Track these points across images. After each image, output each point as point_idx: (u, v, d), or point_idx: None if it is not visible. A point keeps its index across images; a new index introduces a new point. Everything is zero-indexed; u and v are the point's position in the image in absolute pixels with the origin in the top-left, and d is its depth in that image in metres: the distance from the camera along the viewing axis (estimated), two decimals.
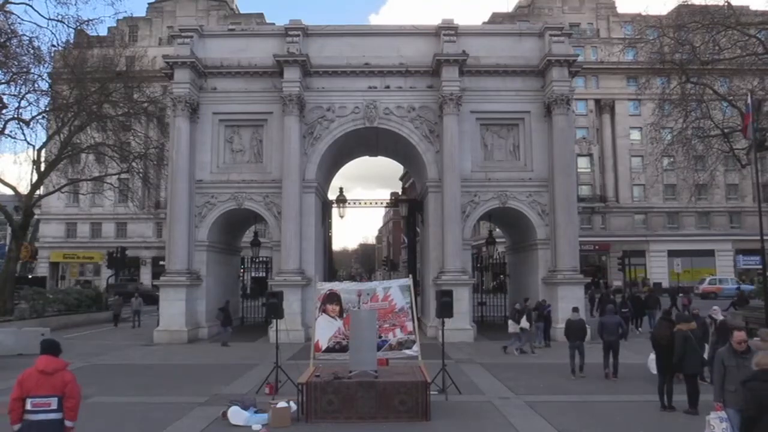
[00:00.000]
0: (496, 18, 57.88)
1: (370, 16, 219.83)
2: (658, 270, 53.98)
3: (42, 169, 28.96)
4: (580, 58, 26.61)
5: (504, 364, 16.64)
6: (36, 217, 46.23)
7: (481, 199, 23.65)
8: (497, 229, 32.39)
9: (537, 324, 20.28)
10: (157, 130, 33.21)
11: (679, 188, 50.15)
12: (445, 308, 13.08)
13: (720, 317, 16.60)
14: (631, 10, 60.59)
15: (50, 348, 6.67)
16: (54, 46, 27.62)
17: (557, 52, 23.19)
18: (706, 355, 12.32)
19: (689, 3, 25.77)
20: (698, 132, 28.05)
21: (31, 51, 25.93)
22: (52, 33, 45.95)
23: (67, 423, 6.48)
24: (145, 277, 55.06)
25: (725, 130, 27.29)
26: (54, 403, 6.37)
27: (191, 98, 23.31)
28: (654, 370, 12.32)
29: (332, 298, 12.36)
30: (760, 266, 28.95)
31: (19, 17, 59.20)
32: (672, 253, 54.76)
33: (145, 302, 31.59)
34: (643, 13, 31.23)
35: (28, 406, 6.31)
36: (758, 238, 21.17)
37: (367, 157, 29.77)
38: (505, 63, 23.86)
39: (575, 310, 15.79)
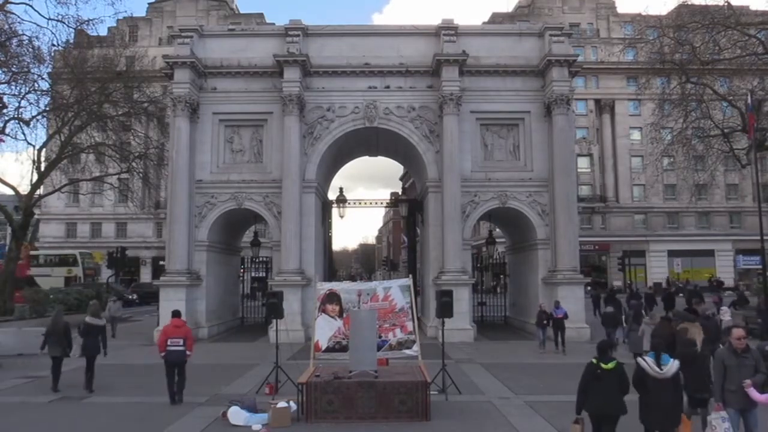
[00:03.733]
0: (496, 18, 57.90)
1: (374, 15, 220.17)
2: (658, 270, 54.00)
3: (42, 169, 28.94)
4: (580, 58, 26.59)
5: (504, 364, 16.64)
6: (36, 217, 46.21)
7: (481, 199, 23.62)
8: (497, 229, 32.39)
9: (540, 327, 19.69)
10: (157, 130, 33.18)
11: (679, 188, 50.19)
12: (445, 308, 13.08)
13: (728, 317, 16.57)
14: (631, 10, 60.65)
15: (178, 314, 12.77)
16: (54, 46, 27.63)
17: (557, 52, 23.18)
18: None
19: (689, 3, 25.80)
20: (698, 132, 28.08)
21: (31, 51, 25.93)
22: (52, 33, 46.17)
23: (188, 352, 12.04)
24: (146, 276, 55.08)
25: (725, 130, 27.31)
26: (181, 342, 11.96)
27: (191, 98, 23.30)
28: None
29: (332, 297, 12.36)
30: (760, 266, 28.96)
31: (19, 17, 59.20)
32: (672, 253, 54.83)
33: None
34: (643, 13, 31.29)
35: (168, 343, 11.92)
36: (758, 238, 21.22)
37: (367, 157, 29.78)
38: (505, 63, 23.85)
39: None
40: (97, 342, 13.51)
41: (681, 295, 32.43)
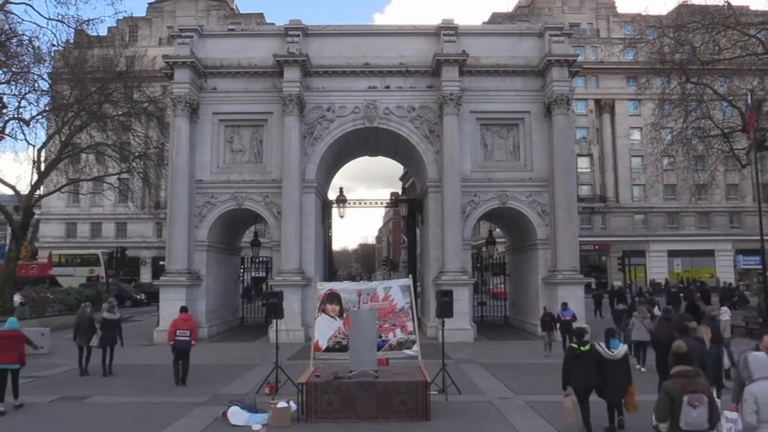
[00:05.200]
0: (496, 18, 57.90)
1: (375, 14, 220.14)
2: (658, 270, 53.99)
3: (42, 169, 28.91)
4: (580, 58, 26.60)
5: (504, 364, 16.64)
6: (36, 217, 46.28)
7: (481, 199, 23.62)
8: (497, 229, 32.39)
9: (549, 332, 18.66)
10: (157, 130, 33.16)
11: (679, 188, 50.17)
12: (445, 308, 13.08)
13: (726, 317, 16.56)
14: (631, 10, 60.69)
15: (185, 310, 15.08)
16: (54, 46, 27.57)
17: (557, 52, 23.18)
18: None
19: (689, 3, 25.79)
20: (698, 132, 28.07)
21: (31, 51, 25.87)
22: (52, 33, 45.98)
23: (192, 342, 14.10)
24: (146, 276, 55.08)
25: (725, 130, 27.30)
26: (188, 333, 14.00)
27: (191, 98, 23.30)
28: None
29: (332, 297, 12.37)
30: (760, 266, 28.96)
31: (19, 17, 59.31)
32: (672, 253, 54.83)
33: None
34: (643, 13, 31.34)
35: (177, 334, 13.92)
36: (758, 238, 21.22)
37: (368, 157, 29.77)
38: (505, 63, 23.85)
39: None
40: (113, 334, 15.82)
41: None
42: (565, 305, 19.26)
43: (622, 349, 9.59)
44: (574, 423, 9.72)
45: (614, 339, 9.76)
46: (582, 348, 9.57)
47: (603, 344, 9.66)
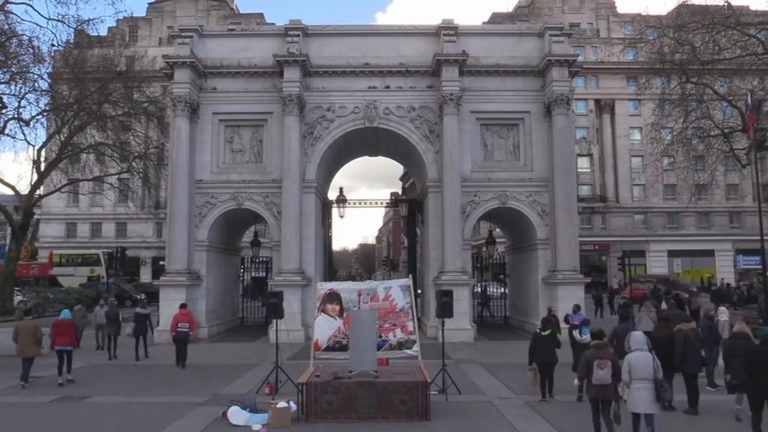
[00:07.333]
0: (496, 18, 57.86)
1: (377, 14, 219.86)
2: (658, 270, 53.92)
3: (42, 168, 28.93)
4: (580, 58, 26.58)
5: (504, 364, 16.62)
6: (36, 217, 46.33)
7: (481, 199, 23.61)
8: (497, 229, 32.38)
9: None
10: (157, 130, 33.22)
11: (679, 188, 50.14)
12: (445, 308, 13.09)
13: (725, 318, 16.55)
14: (631, 10, 60.64)
15: (184, 306, 17.62)
16: (54, 45, 27.67)
17: (557, 52, 23.17)
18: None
19: (689, 3, 25.78)
20: (698, 132, 28.05)
21: (31, 51, 25.92)
22: (53, 33, 46.06)
23: (190, 333, 16.63)
24: (146, 276, 55.07)
25: (725, 130, 27.30)
26: (187, 326, 16.44)
27: (191, 98, 23.30)
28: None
29: (332, 297, 12.38)
30: (760, 266, 28.95)
31: (19, 17, 59.32)
32: (672, 253, 54.77)
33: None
34: (643, 13, 31.28)
35: (178, 326, 16.33)
36: (758, 238, 21.21)
37: (368, 157, 29.75)
38: (505, 63, 23.84)
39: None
40: (144, 325, 18.09)
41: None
42: (577, 307, 18.46)
43: (588, 336, 11.44)
44: (537, 392, 11.86)
45: (585, 327, 11.89)
46: (543, 332, 11.99)
47: (576, 331, 12.34)
